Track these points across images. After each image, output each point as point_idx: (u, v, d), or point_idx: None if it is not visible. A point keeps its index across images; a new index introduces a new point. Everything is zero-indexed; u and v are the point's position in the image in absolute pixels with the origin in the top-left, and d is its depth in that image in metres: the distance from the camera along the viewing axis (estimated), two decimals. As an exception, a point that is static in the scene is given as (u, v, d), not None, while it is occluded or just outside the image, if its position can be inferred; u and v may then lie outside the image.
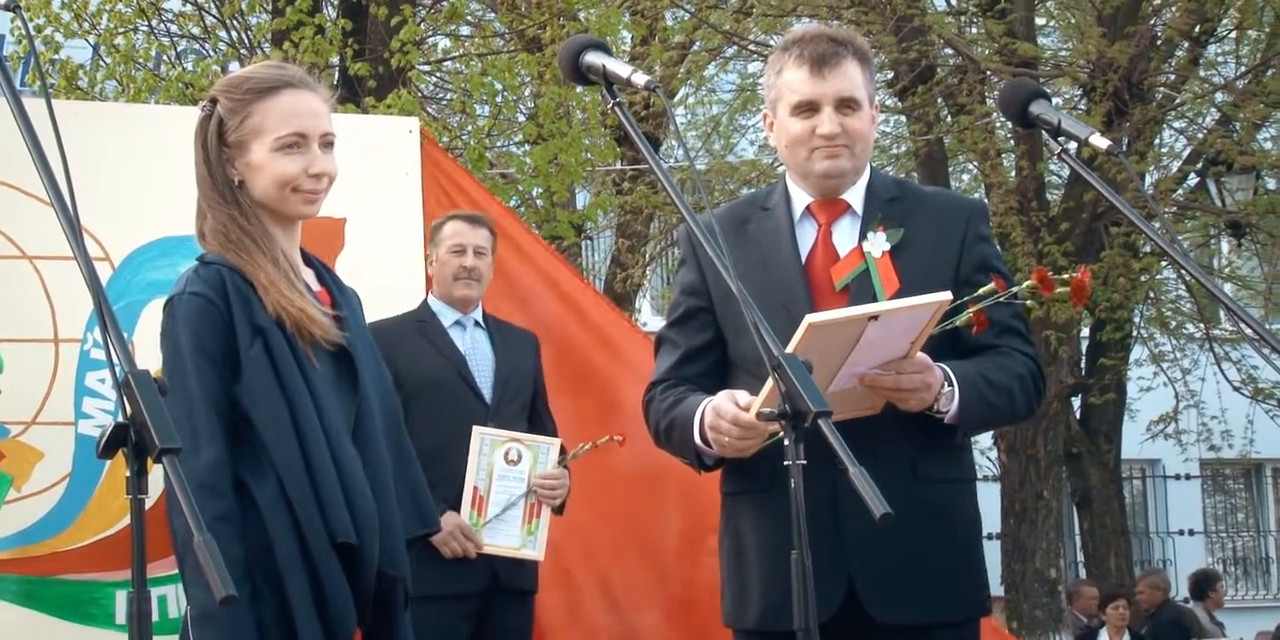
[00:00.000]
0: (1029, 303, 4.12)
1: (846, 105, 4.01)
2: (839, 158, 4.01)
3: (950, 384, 3.86)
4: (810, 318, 3.58)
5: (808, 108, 4.00)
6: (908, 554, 3.88)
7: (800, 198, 4.10)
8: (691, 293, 4.13)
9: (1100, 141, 3.64)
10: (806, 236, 4.08)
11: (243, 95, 3.77)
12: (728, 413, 3.77)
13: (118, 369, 2.72)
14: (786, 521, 3.55)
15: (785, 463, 2.96)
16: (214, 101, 3.80)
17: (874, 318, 3.63)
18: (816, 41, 4.03)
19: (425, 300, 6.32)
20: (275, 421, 3.62)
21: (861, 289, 3.97)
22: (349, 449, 3.70)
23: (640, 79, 3.37)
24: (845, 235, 4.06)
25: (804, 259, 4.05)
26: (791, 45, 4.06)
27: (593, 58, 3.47)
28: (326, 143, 3.81)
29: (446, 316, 6.28)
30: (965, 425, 3.94)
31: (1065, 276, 3.94)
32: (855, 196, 4.08)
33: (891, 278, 3.96)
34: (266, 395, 3.62)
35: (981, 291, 3.90)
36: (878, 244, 4.01)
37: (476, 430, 6.04)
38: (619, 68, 3.42)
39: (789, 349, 3.53)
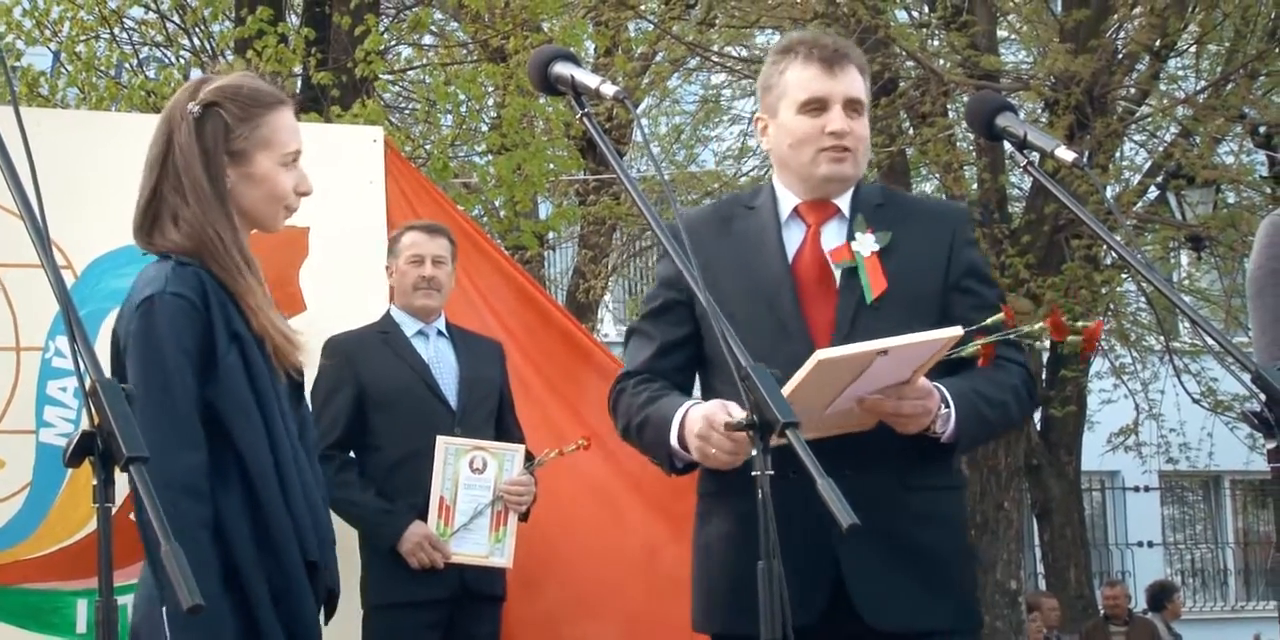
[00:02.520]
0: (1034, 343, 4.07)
1: (853, 107, 3.98)
2: (844, 163, 3.97)
3: (946, 405, 3.81)
4: (819, 354, 3.54)
5: (817, 106, 3.97)
6: (898, 560, 3.84)
7: (788, 199, 4.06)
8: (671, 285, 4.07)
9: (1066, 154, 3.64)
10: (793, 237, 4.03)
11: (253, 106, 3.73)
12: (722, 424, 3.67)
13: (85, 377, 2.70)
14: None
15: (753, 473, 2.94)
16: (210, 106, 3.71)
17: (883, 352, 3.58)
18: (823, 44, 4.02)
19: (388, 311, 6.32)
20: (252, 432, 3.56)
21: (849, 287, 3.92)
22: (307, 464, 3.67)
23: (609, 90, 3.35)
24: (833, 237, 4.01)
25: (790, 260, 4.00)
26: (796, 46, 4.03)
27: (561, 68, 3.45)
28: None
29: (409, 327, 6.29)
30: (961, 444, 3.90)
31: (1079, 325, 3.86)
32: (844, 201, 4.05)
33: (879, 279, 3.91)
34: (243, 404, 3.57)
35: (989, 322, 3.85)
36: (866, 244, 3.97)
37: (441, 440, 6.04)
38: (587, 78, 3.40)
39: (793, 382, 3.50)
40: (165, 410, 3.47)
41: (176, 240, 3.68)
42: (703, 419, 3.75)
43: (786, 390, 3.48)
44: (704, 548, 4.03)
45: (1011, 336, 3.84)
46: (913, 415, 3.75)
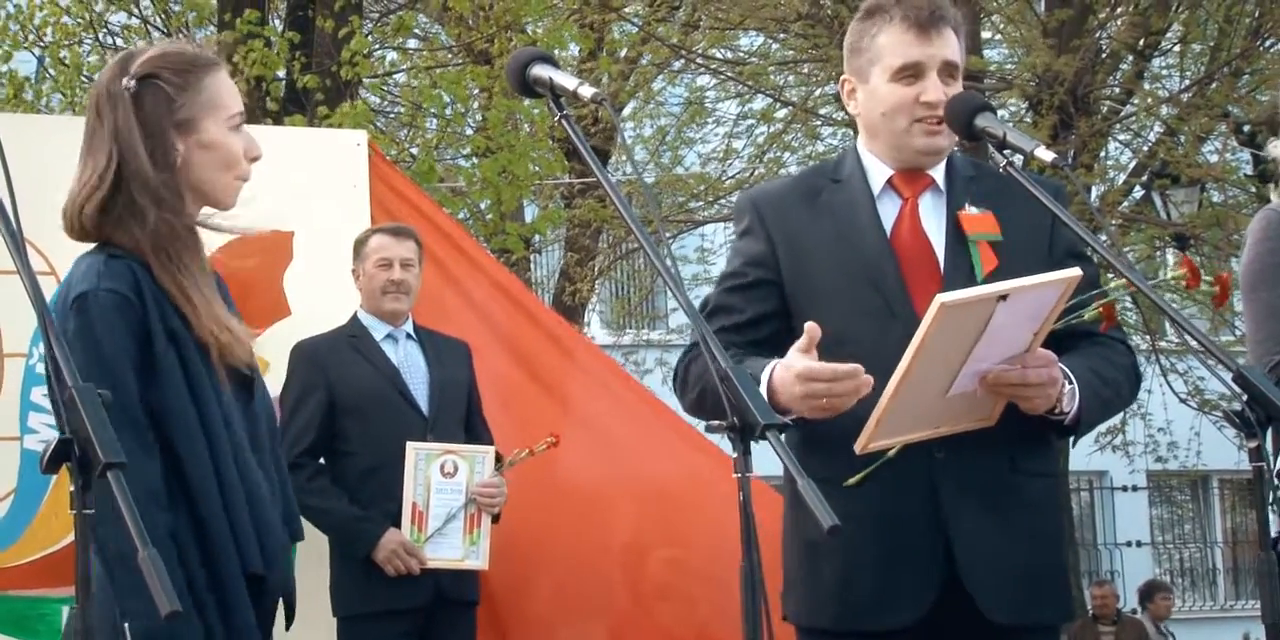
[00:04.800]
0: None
1: (949, 71, 3.82)
2: (938, 135, 3.79)
3: (1070, 382, 3.64)
4: (941, 297, 3.38)
5: (911, 72, 3.79)
6: (1007, 550, 3.68)
7: (879, 169, 3.88)
8: (759, 264, 3.86)
9: (1046, 154, 3.59)
10: (888, 210, 3.84)
11: (191, 71, 3.51)
12: (820, 371, 3.46)
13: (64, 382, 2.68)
14: (875, 514, 3.57)
15: (735, 475, 2.90)
16: (145, 79, 3.47)
17: (1003, 297, 3.40)
18: (918, 5, 3.82)
19: (354, 315, 6.27)
20: (190, 439, 3.36)
21: (956, 265, 3.76)
22: (256, 471, 3.46)
23: (587, 91, 3.29)
24: (930, 211, 3.84)
25: (888, 234, 3.82)
26: (890, 7, 3.84)
27: (539, 70, 3.38)
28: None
29: (378, 330, 6.25)
30: (1082, 426, 3.71)
31: (1210, 279, 3.70)
32: (938, 172, 3.88)
33: (990, 257, 3.75)
34: (182, 409, 3.37)
35: (1113, 286, 3.63)
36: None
37: (410, 446, 6.01)
38: (566, 80, 3.35)
39: (919, 333, 3.39)
40: (121, 414, 3.14)
41: (129, 230, 3.46)
42: (794, 378, 3.50)
43: (912, 347, 3.40)
44: (805, 536, 3.76)
45: (1169, 279, 3.65)
46: (1039, 384, 3.56)
